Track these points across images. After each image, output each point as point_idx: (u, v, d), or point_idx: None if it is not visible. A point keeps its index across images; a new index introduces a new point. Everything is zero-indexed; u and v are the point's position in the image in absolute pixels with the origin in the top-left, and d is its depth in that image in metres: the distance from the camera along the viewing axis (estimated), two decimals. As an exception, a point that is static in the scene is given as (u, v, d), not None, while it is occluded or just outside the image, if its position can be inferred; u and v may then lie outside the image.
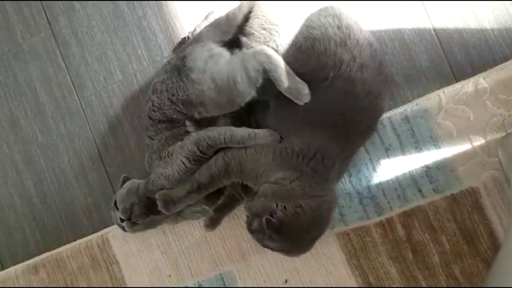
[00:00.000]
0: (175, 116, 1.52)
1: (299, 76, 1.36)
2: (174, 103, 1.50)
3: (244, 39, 1.47)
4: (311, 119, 1.37)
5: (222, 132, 1.46)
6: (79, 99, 1.87)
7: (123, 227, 1.59)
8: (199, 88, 1.44)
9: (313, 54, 1.34)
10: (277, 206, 1.29)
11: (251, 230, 1.34)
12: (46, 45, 1.89)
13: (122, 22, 1.79)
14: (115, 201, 1.60)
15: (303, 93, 1.37)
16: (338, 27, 1.34)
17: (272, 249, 1.39)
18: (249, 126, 1.51)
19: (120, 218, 1.57)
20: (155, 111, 1.54)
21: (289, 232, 1.31)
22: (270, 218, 1.27)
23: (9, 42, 1.94)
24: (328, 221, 1.41)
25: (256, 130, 1.45)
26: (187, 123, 1.53)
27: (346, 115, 1.36)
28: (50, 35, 1.88)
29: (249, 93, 1.40)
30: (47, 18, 1.88)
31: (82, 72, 1.86)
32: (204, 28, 1.60)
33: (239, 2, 1.51)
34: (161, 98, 1.52)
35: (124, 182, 1.68)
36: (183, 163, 1.49)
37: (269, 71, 1.36)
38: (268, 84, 1.38)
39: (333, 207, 1.42)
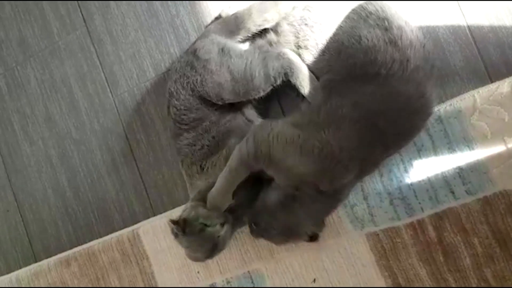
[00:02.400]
0: (204, 109, 1.54)
1: (345, 69, 1.38)
2: (198, 98, 1.53)
3: (285, 26, 1.49)
4: (357, 116, 1.34)
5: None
6: (112, 96, 1.91)
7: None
8: (217, 80, 1.48)
9: (360, 49, 1.35)
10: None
11: None
12: (81, 42, 1.93)
13: (156, 20, 1.82)
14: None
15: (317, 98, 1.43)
16: (386, 29, 1.34)
17: None
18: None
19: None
20: (185, 114, 1.56)
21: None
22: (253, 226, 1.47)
23: (46, 40, 1.99)
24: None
25: None
26: None
27: (392, 115, 1.34)
28: (86, 33, 1.92)
29: (263, 89, 1.47)
30: (83, 16, 1.92)
31: (116, 70, 1.89)
32: (212, 24, 1.65)
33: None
34: (182, 99, 1.55)
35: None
36: None
37: (290, 76, 1.44)
38: None
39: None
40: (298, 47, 1.46)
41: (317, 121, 1.36)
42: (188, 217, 1.49)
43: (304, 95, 1.46)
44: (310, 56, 1.45)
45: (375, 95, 1.34)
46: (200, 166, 1.56)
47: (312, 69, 1.47)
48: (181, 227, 1.48)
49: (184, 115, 1.55)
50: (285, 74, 1.44)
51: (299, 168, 1.34)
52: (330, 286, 1.64)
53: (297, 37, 1.45)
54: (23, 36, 2.01)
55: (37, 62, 2.00)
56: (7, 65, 2.04)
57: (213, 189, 1.46)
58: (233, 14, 1.60)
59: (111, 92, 1.91)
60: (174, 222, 1.49)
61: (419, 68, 1.33)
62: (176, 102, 1.56)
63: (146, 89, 1.85)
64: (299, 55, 1.47)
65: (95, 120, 1.94)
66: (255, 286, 1.72)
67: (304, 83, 1.44)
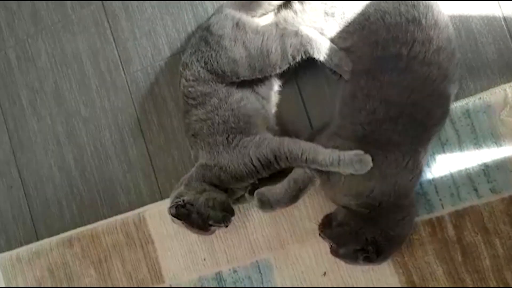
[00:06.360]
0: (213, 84, 1.50)
1: (368, 47, 1.36)
2: (209, 71, 1.49)
3: None
4: (390, 115, 1.32)
5: (306, 150, 1.39)
6: (125, 74, 1.85)
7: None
8: (232, 57, 1.45)
9: (383, 26, 1.33)
10: (367, 239, 1.35)
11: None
12: (96, 17, 1.87)
13: (174, -3, 1.76)
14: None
15: (347, 69, 1.41)
16: (414, 6, 1.30)
17: None
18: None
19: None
20: (192, 86, 1.51)
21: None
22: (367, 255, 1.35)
23: (59, 13, 1.93)
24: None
25: (344, 155, 1.34)
26: None
27: (424, 104, 1.31)
28: (100, 7, 1.86)
29: (280, 66, 1.44)
30: (98, -10, 1.87)
31: (130, 47, 1.83)
32: (228, 1, 1.61)
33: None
34: (194, 69, 1.51)
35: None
36: (254, 165, 1.45)
37: (312, 52, 1.41)
38: None
39: None
40: (325, 14, 1.42)
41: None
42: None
43: (333, 68, 1.45)
44: (335, 25, 1.41)
45: (399, 85, 1.31)
46: (227, 139, 1.48)
47: (335, 40, 1.44)
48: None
49: (192, 87, 1.51)
50: (305, 51, 1.41)
51: None
52: (341, 280, 1.60)
53: (325, 3, 1.41)
54: (36, 8, 1.96)
55: (48, 35, 1.95)
56: (18, 37, 1.99)
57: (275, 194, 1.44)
58: None
59: (123, 70, 1.85)
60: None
61: (441, 49, 1.30)
62: (187, 72, 1.53)
63: (161, 69, 1.79)
64: (325, 22, 1.43)
65: (105, 99, 1.88)
66: (262, 276, 1.68)
67: (328, 56, 1.41)
